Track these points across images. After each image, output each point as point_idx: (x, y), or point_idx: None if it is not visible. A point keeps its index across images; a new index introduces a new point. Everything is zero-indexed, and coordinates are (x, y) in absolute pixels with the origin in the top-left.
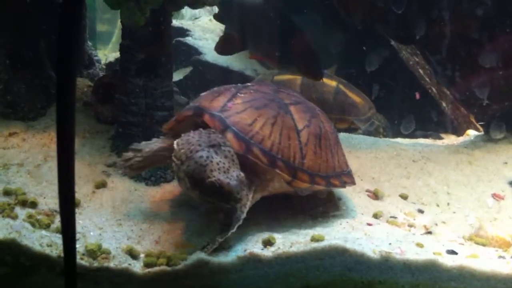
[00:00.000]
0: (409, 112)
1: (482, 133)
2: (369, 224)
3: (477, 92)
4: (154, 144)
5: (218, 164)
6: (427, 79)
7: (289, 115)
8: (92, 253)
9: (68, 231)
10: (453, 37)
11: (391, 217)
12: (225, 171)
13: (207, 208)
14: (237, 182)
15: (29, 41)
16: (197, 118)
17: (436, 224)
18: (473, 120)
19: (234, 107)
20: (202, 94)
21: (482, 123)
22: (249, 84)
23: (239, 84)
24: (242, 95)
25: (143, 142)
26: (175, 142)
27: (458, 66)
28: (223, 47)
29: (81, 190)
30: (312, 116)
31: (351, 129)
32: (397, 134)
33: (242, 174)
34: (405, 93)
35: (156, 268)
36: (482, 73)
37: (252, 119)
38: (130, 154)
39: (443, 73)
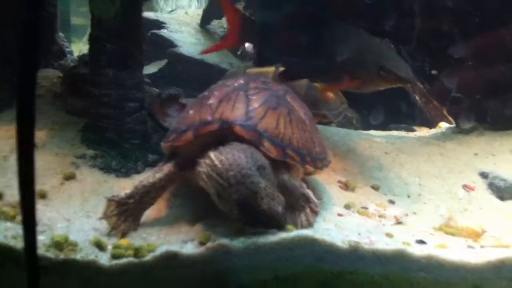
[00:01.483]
0: (380, 104)
1: (454, 125)
2: (340, 215)
3: (445, 82)
4: (168, 164)
5: (265, 189)
6: None
7: (293, 108)
8: (58, 245)
9: (29, 224)
10: (424, 29)
11: (362, 207)
12: (272, 198)
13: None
14: (283, 210)
15: None
16: (223, 131)
17: (407, 215)
18: (446, 113)
19: (257, 113)
20: (210, 102)
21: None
22: (241, 81)
23: (235, 84)
24: (254, 97)
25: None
26: (215, 156)
27: (429, 58)
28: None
29: (49, 182)
30: (300, 101)
31: (324, 123)
32: (371, 126)
33: (282, 198)
34: None
35: (124, 260)
36: (451, 64)
37: (275, 122)
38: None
39: (414, 64)
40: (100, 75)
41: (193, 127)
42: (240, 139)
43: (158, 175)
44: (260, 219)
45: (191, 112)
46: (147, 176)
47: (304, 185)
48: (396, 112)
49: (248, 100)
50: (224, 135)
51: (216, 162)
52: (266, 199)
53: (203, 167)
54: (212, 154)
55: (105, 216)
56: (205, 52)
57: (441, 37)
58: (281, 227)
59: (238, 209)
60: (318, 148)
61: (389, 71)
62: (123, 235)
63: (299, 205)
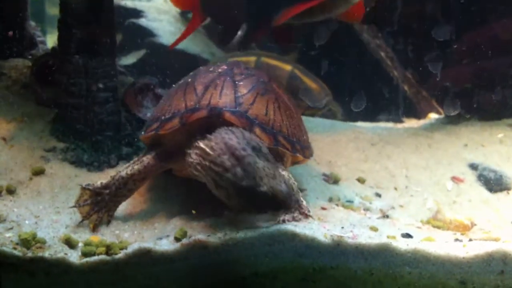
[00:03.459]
0: (362, 90)
1: (443, 116)
2: (324, 209)
3: (430, 67)
4: (147, 156)
5: (264, 169)
6: (389, 62)
7: (280, 94)
8: (26, 242)
9: None
10: (406, 12)
11: (347, 201)
12: (273, 177)
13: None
14: (288, 189)
15: None
16: (212, 118)
17: (393, 208)
18: (435, 104)
19: (246, 99)
20: (195, 89)
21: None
22: (225, 66)
23: (219, 70)
24: (241, 83)
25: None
26: (204, 145)
27: (409, 41)
28: None
29: (18, 176)
30: (282, 88)
31: (308, 115)
32: (358, 118)
33: (287, 176)
34: (367, 76)
35: (95, 258)
36: (434, 48)
37: (264, 108)
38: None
39: (394, 47)
40: (68, 62)
41: (179, 114)
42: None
43: (137, 167)
44: (263, 203)
45: (174, 99)
46: (125, 167)
47: (300, 192)
48: (379, 98)
49: (236, 86)
50: (212, 122)
51: (208, 150)
52: (266, 179)
53: (194, 158)
54: (201, 144)
55: (78, 204)
56: (176, 43)
57: (424, 19)
58: (288, 206)
59: (238, 194)
60: (305, 136)
61: None
62: (95, 226)
63: (290, 210)
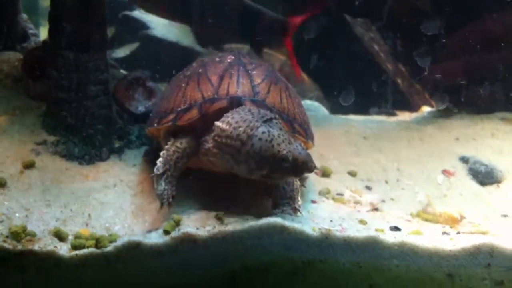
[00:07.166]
0: (350, 85)
1: (435, 109)
2: (314, 202)
3: (418, 61)
4: (181, 141)
5: (279, 137)
6: (382, 55)
7: (287, 83)
8: (16, 235)
9: None
10: (397, 7)
11: (337, 194)
12: (290, 143)
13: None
14: (306, 151)
15: None
16: (231, 107)
17: (384, 201)
18: (428, 97)
19: (262, 88)
20: (209, 79)
21: None
22: (233, 56)
23: (228, 60)
24: (254, 72)
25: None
26: (218, 123)
27: (401, 36)
28: None
29: (9, 170)
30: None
31: None
32: (350, 111)
33: (300, 143)
34: (360, 70)
35: (84, 251)
36: (424, 43)
37: (279, 96)
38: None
39: (386, 42)
40: (59, 57)
41: (197, 105)
42: None
43: (183, 145)
44: (285, 168)
45: (187, 90)
46: (170, 145)
47: (299, 191)
48: (371, 92)
49: (250, 75)
50: (227, 111)
51: (223, 126)
52: (283, 144)
53: (210, 142)
54: (217, 122)
55: (158, 191)
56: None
57: (414, 14)
58: (311, 167)
59: (257, 161)
60: (310, 123)
61: None
62: (169, 203)
63: (284, 203)
